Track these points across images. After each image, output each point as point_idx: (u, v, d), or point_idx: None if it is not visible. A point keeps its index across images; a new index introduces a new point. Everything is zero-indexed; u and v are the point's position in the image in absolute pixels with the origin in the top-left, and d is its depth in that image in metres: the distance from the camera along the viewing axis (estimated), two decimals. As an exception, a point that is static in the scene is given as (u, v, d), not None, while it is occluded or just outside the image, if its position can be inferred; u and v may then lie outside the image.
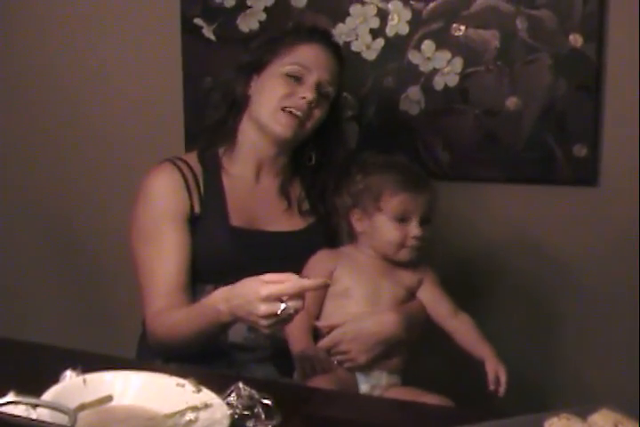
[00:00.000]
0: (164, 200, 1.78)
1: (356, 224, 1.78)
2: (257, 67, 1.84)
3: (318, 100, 1.79)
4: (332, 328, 1.70)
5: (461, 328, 1.76)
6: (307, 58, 1.81)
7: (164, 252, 1.75)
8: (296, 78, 1.79)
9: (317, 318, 1.74)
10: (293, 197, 1.90)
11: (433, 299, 1.79)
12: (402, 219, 1.73)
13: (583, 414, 1.21)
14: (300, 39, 1.83)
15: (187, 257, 1.75)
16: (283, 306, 1.40)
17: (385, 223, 1.74)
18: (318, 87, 1.79)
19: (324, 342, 1.69)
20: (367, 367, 1.70)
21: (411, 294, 1.79)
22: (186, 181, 1.80)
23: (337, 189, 1.82)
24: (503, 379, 1.67)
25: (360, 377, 1.69)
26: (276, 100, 1.79)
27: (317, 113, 1.81)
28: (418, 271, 1.80)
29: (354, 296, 1.73)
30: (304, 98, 1.77)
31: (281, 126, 1.78)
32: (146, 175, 1.83)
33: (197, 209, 1.79)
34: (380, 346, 1.69)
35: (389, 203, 1.73)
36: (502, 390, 1.66)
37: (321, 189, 1.89)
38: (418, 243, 1.73)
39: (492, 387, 1.67)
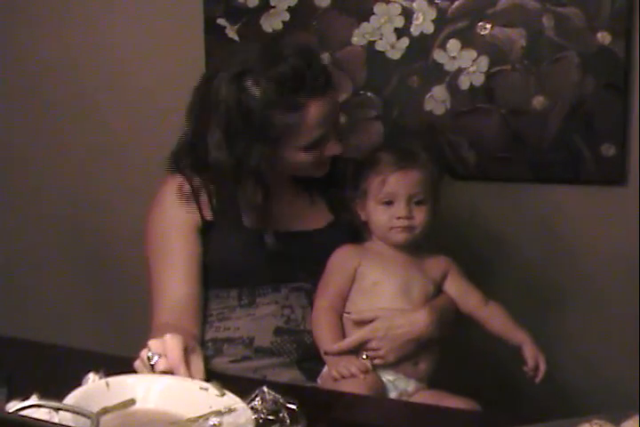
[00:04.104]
0: (171, 214, 1.77)
1: (360, 214, 1.76)
2: None
3: None
4: (362, 322, 1.68)
5: (494, 316, 1.74)
6: None
7: (173, 267, 1.74)
8: None
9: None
10: (312, 197, 1.86)
11: (461, 290, 1.76)
12: (388, 201, 1.70)
13: (616, 420, 1.19)
14: None
15: (197, 269, 1.74)
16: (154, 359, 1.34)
17: (373, 208, 1.72)
18: None
19: (353, 339, 1.67)
20: (395, 364, 1.67)
21: (438, 288, 1.76)
22: (195, 190, 1.77)
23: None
24: (543, 366, 1.64)
25: (388, 384, 1.67)
26: None
27: None
28: (441, 264, 1.77)
29: (385, 291, 1.70)
30: None
31: None
32: (158, 187, 1.81)
33: (209, 216, 1.77)
34: (411, 345, 1.67)
35: (372, 186, 1.71)
36: (541, 376, 1.64)
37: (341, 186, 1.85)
38: (405, 223, 1.69)
39: (530, 373, 1.65)
